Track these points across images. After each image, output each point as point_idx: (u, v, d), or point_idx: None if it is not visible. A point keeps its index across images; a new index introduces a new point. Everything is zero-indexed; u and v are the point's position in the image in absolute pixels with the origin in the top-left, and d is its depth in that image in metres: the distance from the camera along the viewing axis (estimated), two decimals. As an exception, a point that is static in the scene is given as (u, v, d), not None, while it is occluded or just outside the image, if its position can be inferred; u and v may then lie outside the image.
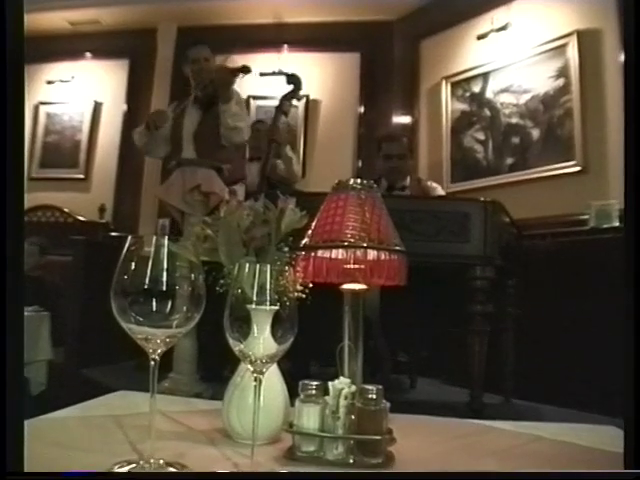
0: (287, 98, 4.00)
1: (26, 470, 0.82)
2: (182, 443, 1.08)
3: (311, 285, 1.12)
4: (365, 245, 1.10)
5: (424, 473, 0.97)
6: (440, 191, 4.09)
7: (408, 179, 4.01)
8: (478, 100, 5.32)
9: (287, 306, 0.94)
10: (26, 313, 3.84)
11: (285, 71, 5.97)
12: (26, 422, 0.93)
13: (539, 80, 4.86)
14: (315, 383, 1.06)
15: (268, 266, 0.94)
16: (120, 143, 6.50)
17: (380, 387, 1.03)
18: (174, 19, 6.37)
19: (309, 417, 1.03)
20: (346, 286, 1.14)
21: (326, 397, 1.05)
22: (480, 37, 5.32)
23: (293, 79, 3.99)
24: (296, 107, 5.29)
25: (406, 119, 5.92)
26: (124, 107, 6.60)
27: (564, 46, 4.70)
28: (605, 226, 3.92)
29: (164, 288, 0.89)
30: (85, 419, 1.23)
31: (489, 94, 5.23)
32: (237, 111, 3.76)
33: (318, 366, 3.40)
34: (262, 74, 6.06)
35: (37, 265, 4.94)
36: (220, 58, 4.17)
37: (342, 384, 1.05)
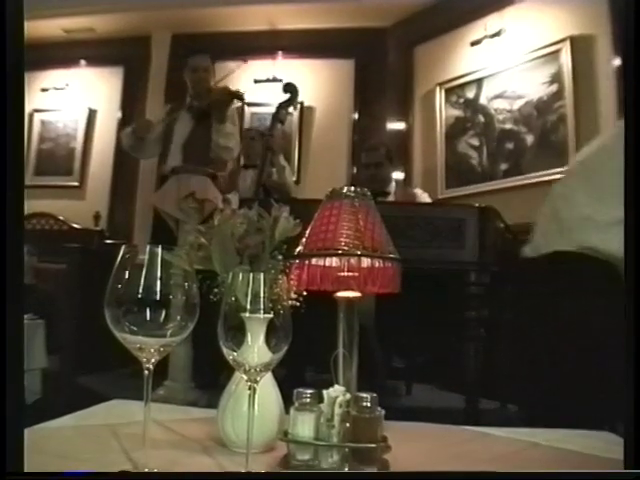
0: (283, 106, 4.01)
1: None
2: (176, 452, 1.07)
3: (305, 293, 1.12)
4: (359, 253, 1.10)
5: (419, 473, 0.97)
6: (427, 199, 4.09)
7: (393, 185, 4.02)
8: (472, 106, 5.34)
9: (281, 314, 0.94)
10: (21, 321, 3.83)
11: (279, 78, 6.00)
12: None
13: (533, 86, 4.88)
14: (310, 391, 1.05)
15: (262, 274, 0.94)
16: (115, 150, 6.49)
17: (375, 395, 1.03)
18: (168, 27, 6.39)
19: (304, 425, 1.03)
20: (340, 294, 1.14)
21: (321, 405, 1.05)
22: (474, 43, 5.34)
23: (290, 88, 4.00)
24: (291, 114, 5.28)
25: (400, 125, 5.93)
26: (118, 114, 6.60)
27: (557, 52, 4.72)
28: (599, 231, 3.92)
29: (158, 297, 0.89)
30: (79, 428, 1.23)
31: (483, 100, 5.25)
32: (230, 131, 3.80)
33: (314, 373, 3.40)
34: (256, 81, 6.09)
35: (27, 270, 4.92)
36: (221, 70, 4.17)
37: (337, 392, 1.05)
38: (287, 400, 1.12)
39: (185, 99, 4.05)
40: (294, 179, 5.84)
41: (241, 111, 6.20)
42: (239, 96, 3.85)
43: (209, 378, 3.28)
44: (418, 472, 0.99)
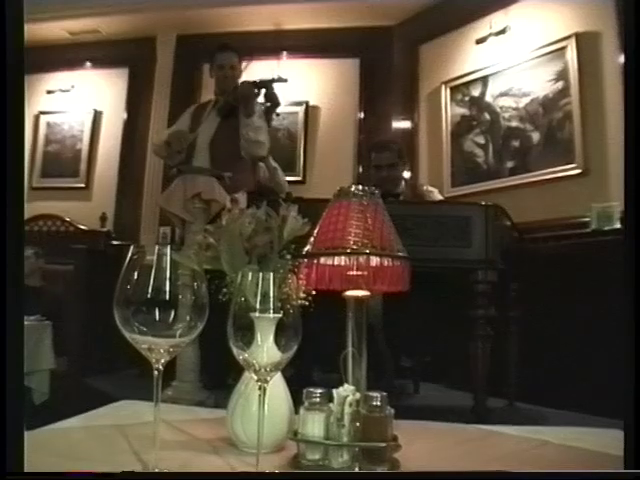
0: (265, 113, 4.03)
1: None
2: (186, 452, 1.07)
3: (314, 292, 1.12)
4: (368, 251, 1.09)
5: (427, 472, 0.97)
6: (437, 195, 4.06)
7: (402, 185, 3.97)
8: (478, 104, 5.32)
9: (290, 314, 0.94)
10: (28, 322, 3.84)
11: (284, 78, 6.00)
12: (29, 433, 0.92)
13: (538, 83, 4.86)
14: (319, 391, 1.05)
15: (271, 274, 0.94)
16: (120, 152, 6.50)
17: (384, 394, 1.03)
18: (173, 28, 6.38)
19: (314, 425, 1.03)
20: (349, 293, 1.14)
21: (331, 404, 1.04)
22: (479, 41, 5.33)
23: (269, 95, 4.00)
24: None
25: (406, 124, 5.92)
26: (124, 116, 6.60)
27: (563, 49, 4.70)
28: (606, 228, 3.91)
29: (167, 297, 0.89)
30: (88, 429, 1.23)
31: (489, 98, 5.23)
32: (259, 124, 3.78)
33: (321, 372, 3.40)
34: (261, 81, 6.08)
35: (34, 272, 4.94)
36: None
37: (346, 391, 1.05)
38: (296, 400, 1.12)
39: (198, 97, 4.05)
40: (299, 178, 5.85)
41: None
42: (265, 85, 3.83)
43: (217, 378, 3.28)
44: (426, 472, 0.99)
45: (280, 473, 0.98)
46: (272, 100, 3.99)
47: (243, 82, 3.90)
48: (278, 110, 4.14)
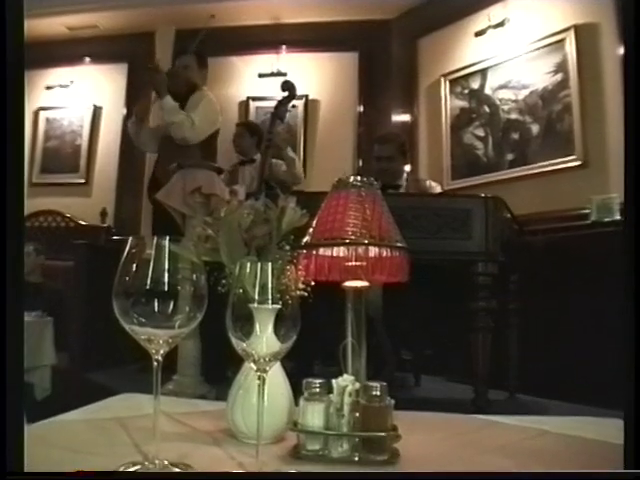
0: (282, 104, 4.02)
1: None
2: (187, 444, 1.07)
3: (313, 283, 1.12)
4: (366, 242, 1.09)
5: (432, 473, 0.97)
6: (439, 190, 4.08)
7: (404, 178, 3.98)
8: (477, 97, 5.32)
9: (289, 304, 0.94)
10: (29, 318, 3.84)
11: (283, 71, 6.00)
12: (31, 426, 0.92)
13: (537, 75, 4.86)
14: (319, 381, 1.05)
15: (269, 265, 0.94)
16: (120, 147, 6.50)
17: (384, 384, 1.03)
18: (172, 22, 6.36)
19: (313, 415, 1.03)
20: (348, 283, 1.14)
21: (330, 395, 1.05)
22: (478, 34, 5.32)
23: (287, 85, 4.00)
24: (295, 107, 5.20)
25: (405, 117, 5.92)
26: (123, 111, 6.59)
27: (562, 41, 4.70)
28: (606, 220, 3.92)
29: (166, 289, 0.89)
30: (89, 422, 1.23)
31: (488, 90, 5.23)
32: (172, 105, 3.75)
33: (321, 366, 3.40)
34: (260, 75, 6.09)
35: (35, 268, 4.94)
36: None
37: (346, 381, 1.05)
38: (296, 393, 1.12)
39: None
40: (300, 172, 5.85)
41: (246, 104, 6.22)
42: (151, 67, 3.85)
43: (218, 372, 3.28)
44: (426, 472, 0.99)
45: (279, 473, 0.98)
46: (289, 90, 4.00)
47: (148, 66, 3.93)
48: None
